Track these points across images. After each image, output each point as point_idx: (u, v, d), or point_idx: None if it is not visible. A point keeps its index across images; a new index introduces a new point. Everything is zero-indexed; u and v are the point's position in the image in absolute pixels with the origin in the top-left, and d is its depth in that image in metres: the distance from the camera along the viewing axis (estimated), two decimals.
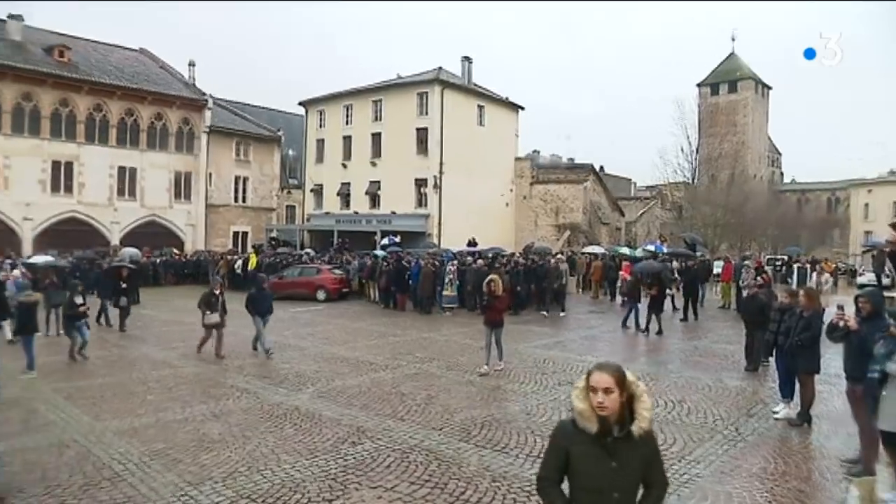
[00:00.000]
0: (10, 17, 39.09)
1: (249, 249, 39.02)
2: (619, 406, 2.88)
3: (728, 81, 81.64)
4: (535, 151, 56.50)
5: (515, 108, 47.05)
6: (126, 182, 39.92)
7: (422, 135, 40.26)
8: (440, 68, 42.91)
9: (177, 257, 36.30)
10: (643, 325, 17.27)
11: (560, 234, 42.74)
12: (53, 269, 19.18)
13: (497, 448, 7.63)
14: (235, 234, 45.78)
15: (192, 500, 6.14)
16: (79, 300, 13.19)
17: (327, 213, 45.05)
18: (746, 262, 22.69)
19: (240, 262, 31.59)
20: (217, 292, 13.72)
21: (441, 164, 39.28)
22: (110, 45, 46.00)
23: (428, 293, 21.87)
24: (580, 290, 28.09)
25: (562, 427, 3.13)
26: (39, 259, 25.35)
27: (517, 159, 46.29)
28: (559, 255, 25.95)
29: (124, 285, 17.81)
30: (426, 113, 40.22)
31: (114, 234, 38.70)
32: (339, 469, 6.93)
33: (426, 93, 40.44)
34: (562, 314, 20.94)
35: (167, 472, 6.82)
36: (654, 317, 16.97)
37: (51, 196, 36.87)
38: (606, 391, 2.85)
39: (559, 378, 11.50)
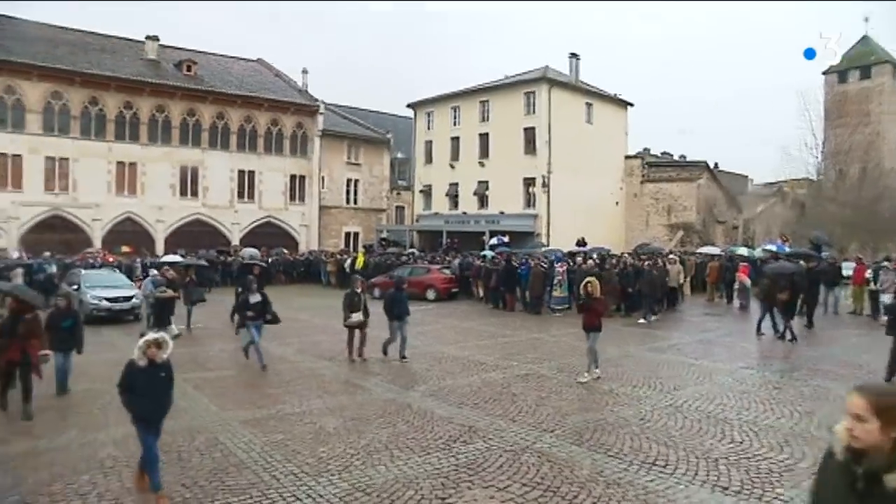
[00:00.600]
0: (148, 38, 42.80)
1: (360, 249, 40.16)
2: (878, 440, 2.27)
3: (860, 67, 75.65)
4: (644, 149, 54.95)
5: (624, 104, 45.92)
6: (245, 185, 42.29)
7: (529, 134, 40.03)
8: (547, 67, 42.53)
9: (287, 256, 37.56)
10: (781, 331, 16.13)
11: (672, 234, 41.30)
12: (193, 267, 20.12)
13: (611, 453, 7.44)
14: (347, 234, 47.28)
15: (310, 490, 6.37)
16: (255, 299, 12.62)
17: (436, 214, 45.62)
18: (886, 263, 20.88)
19: (348, 261, 32.54)
20: (359, 291, 13.12)
21: (549, 163, 38.90)
22: (231, 57, 49.00)
23: (537, 294, 21.71)
24: (691, 291, 26.82)
25: (829, 446, 2.60)
26: (171, 258, 27.17)
27: (627, 157, 45.17)
28: (671, 256, 24.99)
29: (255, 284, 18.24)
30: (533, 112, 39.97)
31: (234, 234, 41.04)
32: (451, 467, 6.98)
33: (533, 92, 40.20)
34: (644, 320, 19.26)
35: (287, 463, 7.11)
36: (784, 322, 15.93)
37: (179, 199, 39.75)
38: (857, 418, 2.31)
39: (674, 383, 11.08)
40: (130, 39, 43.42)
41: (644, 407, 9.47)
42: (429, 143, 47.35)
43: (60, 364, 10.09)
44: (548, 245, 34.60)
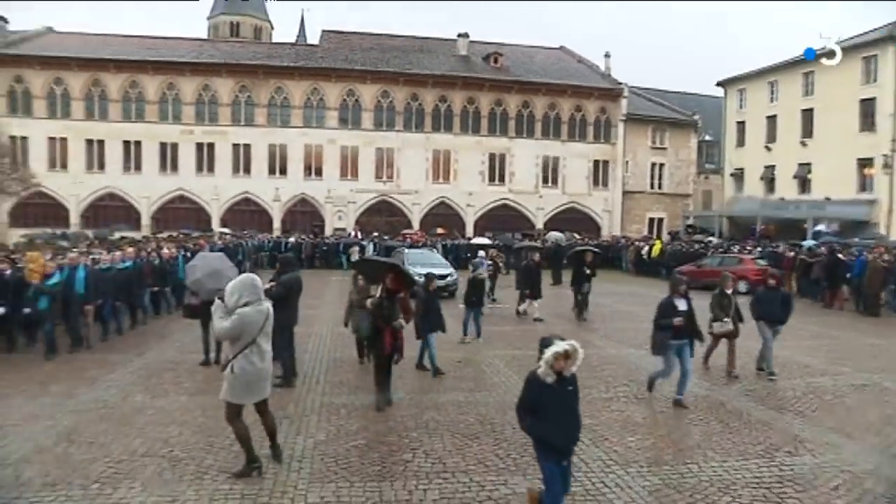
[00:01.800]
0: (459, 35, 46.46)
1: (666, 235, 38.82)
2: None
3: None
4: None
5: None
6: (549, 171, 43.46)
7: (867, 107, 34.65)
8: (895, 23, 36.13)
9: (578, 241, 36.79)
10: None
11: None
12: (527, 250, 19.85)
13: None
14: (651, 220, 46.11)
15: (619, 479, 6.29)
16: (682, 305, 8.84)
17: (748, 199, 42.08)
18: None
19: (645, 248, 31.58)
20: (729, 291, 10.53)
21: (894, 140, 33.27)
22: (535, 47, 50.57)
23: (875, 292, 18.78)
24: None
25: None
26: (480, 240, 29.21)
27: None
28: None
29: (588, 271, 16.38)
30: (874, 80, 34.46)
31: (538, 218, 42.52)
32: (773, 479, 6.34)
33: (874, 55, 34.59)
34: None
35: (594, 448, 7.10)
36: None
37: (488, 185, 42.45)
38: None
39: None
40: (444, 39, 47.60)
41: None
42: (741, 124, 43.88)
43: (434, 345, 10.41)
44: (888, 236, 29.89)
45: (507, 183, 42.92)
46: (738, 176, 43.81)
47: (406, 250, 24.36)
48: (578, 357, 4.89)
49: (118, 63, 39.75)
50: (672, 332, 8.63)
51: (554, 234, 31.81)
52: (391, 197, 41.64)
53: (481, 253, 17.65)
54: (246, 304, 6.02)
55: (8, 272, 11.49)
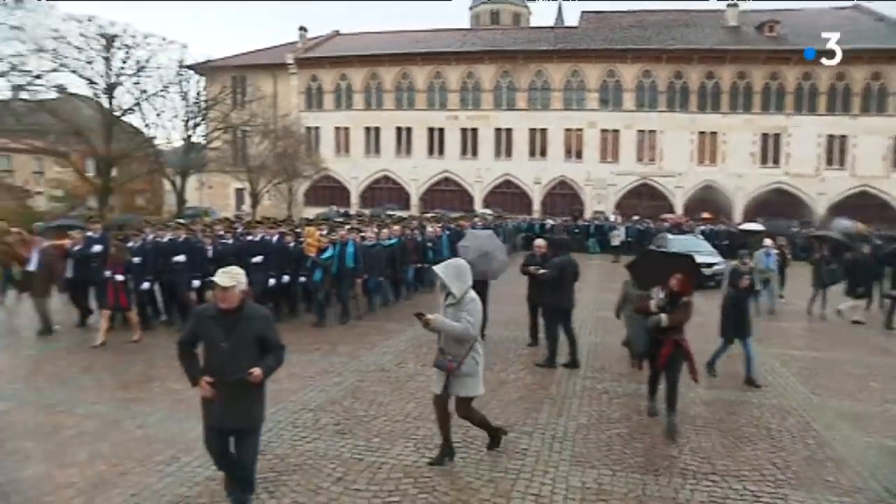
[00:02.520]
0: (729, 5, 43.22)
1: None
2: None
3: None
4: None
5: None
6: (834, 151, 38.76)
7: None
8: None
9: (862, 231, 31.21)
10: None
11: None
12: (828, 241, 17.18)
13: None
14: None
15: None
16: None
17: None
18: None
19: None
20: None
21: None
22: (821, 8, 45.00)
23: None
24: None
25: None
26: (751, 226, 27.13)
27: None
28: None
29: None
30: None
31: (819, 204, 38.11)
32: None
33: None
34: None
35: None
36: None
37: (759, 167, 39.20)
38: None
39: None
40: (711, 10, 44.61)
41: None
42: None
43: (752, 348, 9.35)
44: None
45: (781, 165, 39.15)
46: None
47: (669, 236, 23.10)
48: None
49: (392, 57, 43.97)
50: None
51: (842, 223, 27.93)
52: (652, 180, 40.39)
53: (767, 241, 15.95)
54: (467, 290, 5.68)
55: (292, 244, 12.98)
